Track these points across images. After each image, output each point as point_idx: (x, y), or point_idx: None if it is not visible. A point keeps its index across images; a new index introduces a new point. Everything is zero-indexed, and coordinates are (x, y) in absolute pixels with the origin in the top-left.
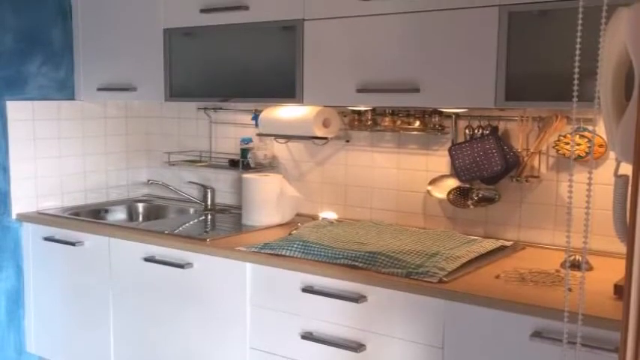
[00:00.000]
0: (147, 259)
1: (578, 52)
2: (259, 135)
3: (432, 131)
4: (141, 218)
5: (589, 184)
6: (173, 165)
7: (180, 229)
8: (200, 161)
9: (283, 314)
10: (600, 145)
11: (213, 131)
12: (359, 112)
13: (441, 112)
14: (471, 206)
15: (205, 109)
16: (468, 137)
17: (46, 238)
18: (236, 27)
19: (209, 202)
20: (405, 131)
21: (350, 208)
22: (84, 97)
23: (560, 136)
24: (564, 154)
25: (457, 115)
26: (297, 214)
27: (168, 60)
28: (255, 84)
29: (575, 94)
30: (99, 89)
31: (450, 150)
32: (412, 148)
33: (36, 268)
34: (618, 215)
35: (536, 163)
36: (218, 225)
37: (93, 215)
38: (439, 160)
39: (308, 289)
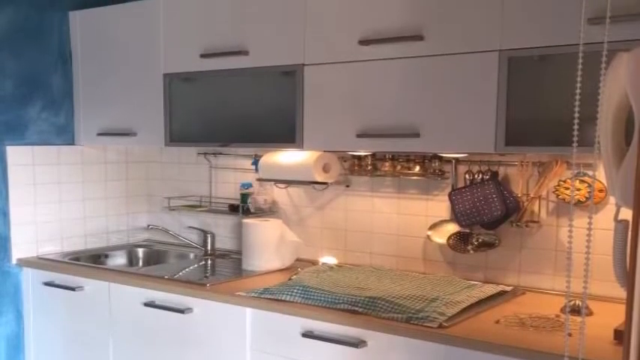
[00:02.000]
0: (147, 304)
1: (578, 97)
2: (259, 180)
3: (432, 176)
4: (141, 263)
5: (589, 229)
6: (173, 210)
7: (180, 274)
8: (200, 206)
9: (284, 359)
10: (600, 190)
11: (213, 176)
12: (359, 157)
13: (441, 157)
14: (471, 251)
15: (205, 154)
16: (467, 182)
17: (46, 283)
18: (236, 72)
19: (209, 247)
20: (405, 176)
21: (350, 253)
22: (84, 142)
23: (560, 181)
24: (564, 199)
25: (457, 160)
26: (297, 259)
27: (168, 105)
28: (255, 129)
29: (575, 139)
30: (99, 134)
31: (449, 195)
32: (412, 193)
33: (36, 313)
34: (618, 260)
35: (536, 208)
36: (218, 270)
37: (93, 260)
38: (439, 205)
39: (308, 334)
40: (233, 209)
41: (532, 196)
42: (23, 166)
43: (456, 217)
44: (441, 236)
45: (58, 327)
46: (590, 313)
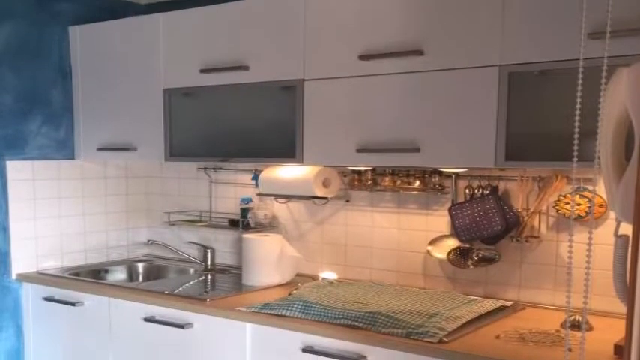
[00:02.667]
0: (147, 319)
1: (578, 112)
2: (259, 195)
3: (432, 191)
4: (141, 278)
5: (589, 244)
6: (173, 225)
7: (180, 289)
8: (200, 221)
9: None
10: (600, 205)
11: (213, 191)
12: (359, 172)
13: (441, 172)
14: (471, 266)
15: (205, 169)
16: (467, 197)
17: (46, 298)
18: (236, 87)
19: (209, 262)
20: (405, 191)
21: (350, 268)
22: (84, 157)
23: (560, 196)
24: (564, 214)
25: (457, 175)
26: (297, 274)
27: (168, 120)
28: (255, 144)
29: (575, 154)
30: (99, 149)
31: (449, 210)
32: (412, 208)
33: (36, 328)
34: (618, 275)
35: (536, 223)
36: (218, 285)
37: (93, 275)
38: (439, 220)
39: (308, 349)
40: (233, 224)
41: (532, 211)
42: (23, 181)
43: (456, 232)
44: (441, 251)
45: (58, 342)
46: (590, 328)
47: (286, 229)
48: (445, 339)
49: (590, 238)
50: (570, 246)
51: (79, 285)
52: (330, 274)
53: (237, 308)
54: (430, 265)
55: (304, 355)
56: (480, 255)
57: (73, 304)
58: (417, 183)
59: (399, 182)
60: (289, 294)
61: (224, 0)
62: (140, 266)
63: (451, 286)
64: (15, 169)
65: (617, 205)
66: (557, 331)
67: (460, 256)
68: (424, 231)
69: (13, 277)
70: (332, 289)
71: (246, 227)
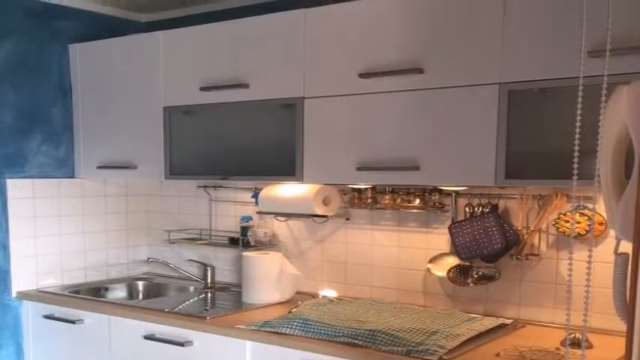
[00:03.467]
0: (147, 337)
1: (578, 130)
2: (259, 213)
3: (432, 209)
4: (141, 296)
5: (589, 262)
6: (173, 243)
7: (181, 307)
8: (200, 239)
9: None
10: (600, 223)
11: (213, 209)
12: (359, 190)
13: (441, 190)
14: (471, 284)
15: (205, 187)
16: (467, 215)
17: (46, 316)
18: (236, 105)
19: (209, 280)
20: (405, 209)
21: (350, 286)
22: (84, 175)
23: (560, 214)
24: (564, 232)
25: (457, 193)
26: (297, 292)
27: (169, 138)
28: (255, 162)
29: (575, 172)
30: (99, 167)
31: (449, 228)
32: (412, 226)
33: (36, 347)
34: (618, 293)
35: (536, 241)
36: (218, 303)
37: (93, 293)
38: (439, 238)
39: None
40: (233, 242)
41: (532, 229)
42: (23, 199)
43: (456, 250)
44: (441, 269)
45: None
46: (590, 346)
47: (286, 247)
48: (445, 357)
49: (590, 256)
50: (570, 264)
51: (79, 303)
52: (330, 292)
53: (238, 326)
54: (430, 283)
55: None
56: (480, 273)
57: (73, 322)
58: (417, 201)
59: (399, 200)
60: (289, 312)
61: (224, 18)
62: (140, 284)
63: (451, 304)
64: (15, 187)
65: (617, 223)
66: (557, 349)
67: (460, 274)
68: (424, 249)
69: (13, 295)
70: (332, 307)
71: (246, 245)
